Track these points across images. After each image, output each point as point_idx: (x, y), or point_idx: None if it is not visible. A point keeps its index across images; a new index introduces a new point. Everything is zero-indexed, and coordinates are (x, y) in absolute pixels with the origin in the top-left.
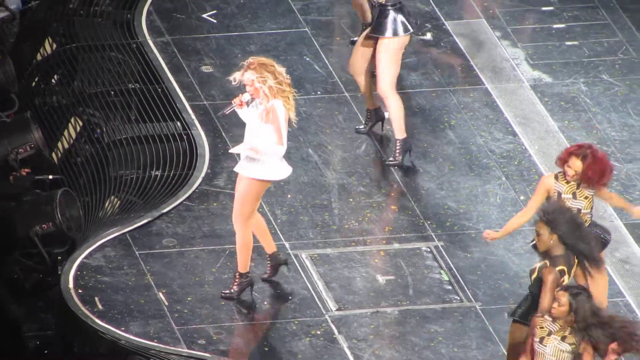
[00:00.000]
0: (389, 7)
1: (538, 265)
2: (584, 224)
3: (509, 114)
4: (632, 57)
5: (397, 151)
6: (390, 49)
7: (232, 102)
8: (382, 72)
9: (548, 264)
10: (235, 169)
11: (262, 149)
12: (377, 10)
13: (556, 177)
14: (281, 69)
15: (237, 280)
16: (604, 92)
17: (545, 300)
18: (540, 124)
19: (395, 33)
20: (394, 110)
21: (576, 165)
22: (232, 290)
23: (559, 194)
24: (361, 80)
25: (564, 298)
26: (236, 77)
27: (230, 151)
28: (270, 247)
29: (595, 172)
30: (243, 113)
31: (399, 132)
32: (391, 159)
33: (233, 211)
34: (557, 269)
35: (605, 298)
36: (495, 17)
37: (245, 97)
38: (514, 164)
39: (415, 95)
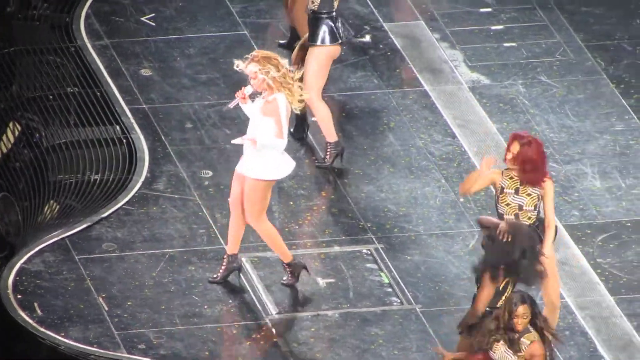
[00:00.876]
0: (322, 15)
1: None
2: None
3: (448, 116)
4: (569, 59)
5: (328, 154)
6: (319, 58)
7: (235, 95)
8: (309, 80)
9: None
10: (236, 169)
11: (261, 140)
12: (311, 18)
13: (502, 173)
14: (284, 61)
15: (288, 269)
16: (542, 93)
17: (485, 291)
18: (479, 125)
19: (323, 41)
20: (321, 116)
21: (516, 148)
22: (289, 279)
23: (502, 188)
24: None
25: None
26: (240, 66)
27: (232, 142)
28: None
29: (530, 157)
30: (246, 107)
31: (330, 136)
32: (321, 161)
33: (244, 211)
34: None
35: (557, 299)
36: (433, 18)
37: (248, 90)
38: (454, 165)
39: (355, 97)
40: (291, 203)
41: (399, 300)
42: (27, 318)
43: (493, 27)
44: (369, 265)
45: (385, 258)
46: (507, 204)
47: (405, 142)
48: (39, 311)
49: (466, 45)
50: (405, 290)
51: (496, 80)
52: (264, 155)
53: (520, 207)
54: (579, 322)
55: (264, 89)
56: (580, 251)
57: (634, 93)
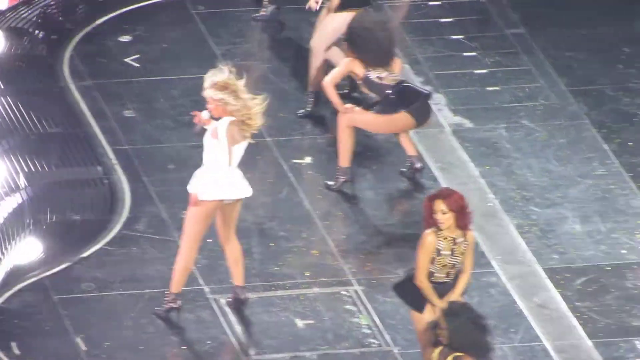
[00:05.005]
0: None
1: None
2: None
3: (430, 160)
4: (552, 103)
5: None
6: (340, 19)
7: (194, 121)
8: (321, 31)
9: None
10: (187, 187)
11: (203, 181)
12: None
13: (436, 234)
14: (242, 84)
15: (167, 297)
16: (524, 137)
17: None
18: (461, 169)
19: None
20: (315, 66)
21: (441, 207)
22: (163, 308)
23: (439, 251)
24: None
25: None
26: (205, 83)
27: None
28: (238, 279)
29: (460, 203)
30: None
31: (313, 85)
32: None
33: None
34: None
35: None
36: (417, 62)
37: (205, 114)
38: None
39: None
40: (272, 244)
41: (377, 342)
42: (4, 358)
43: (477, 71)
44: (348, 306)
45: (365, 300)
46: (444, 265)
47: (386, 184)
48: (16, 351)
49: (449, 88)
50: (384, 332)
51: (479, 123)
52: (212, 175)
53: (454, 266)
54: None
55: (220, 114)
56: (560, 294)
57: (615, 138)
